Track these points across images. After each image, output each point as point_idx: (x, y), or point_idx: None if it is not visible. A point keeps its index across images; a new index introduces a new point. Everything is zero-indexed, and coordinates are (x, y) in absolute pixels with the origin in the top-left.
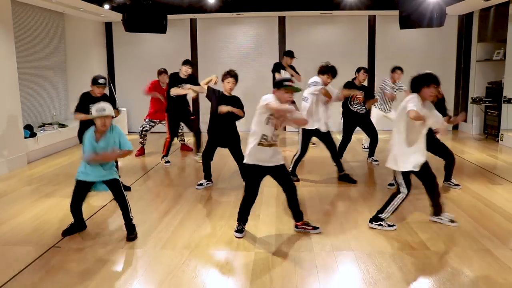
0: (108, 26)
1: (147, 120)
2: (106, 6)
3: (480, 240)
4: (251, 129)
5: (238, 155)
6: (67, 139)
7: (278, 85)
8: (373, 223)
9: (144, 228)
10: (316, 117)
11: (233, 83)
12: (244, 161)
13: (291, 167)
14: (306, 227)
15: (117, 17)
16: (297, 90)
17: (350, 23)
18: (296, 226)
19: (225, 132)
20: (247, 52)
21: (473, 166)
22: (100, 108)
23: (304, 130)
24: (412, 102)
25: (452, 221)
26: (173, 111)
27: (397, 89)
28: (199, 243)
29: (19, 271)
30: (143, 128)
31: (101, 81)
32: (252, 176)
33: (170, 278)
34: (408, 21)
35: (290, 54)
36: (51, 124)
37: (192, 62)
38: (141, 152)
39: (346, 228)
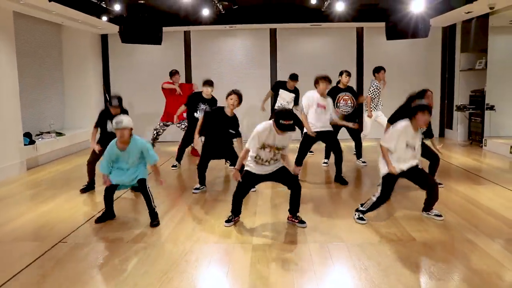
0: (104, 37)
1: (161, 124)
2: (104, 18)
3: (464, 233)
4: (247, 142)
5: (235, 159)
6: (64, 147)
7: (277, 120)
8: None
9: (147, 225)
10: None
11: (236, 100)
12: (245, 168)
13: None
14: (294, 220)
15: (113, 29)
16: (292, 130)
17: (339, 34)
18: (288, 218)
19: (221, 149)
20: (239, 63)
21: (459, 169)
22: (118, 121)
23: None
24: (389, 135)
25: (437, 215)
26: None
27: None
28: (199, 237)
29: (26, 265)
30: (157, 132)
31: (113, 102)
32: (249, 179)
33: (173, 269)
34: (395, 32)
35: (294, 78)
36: (48, 132)
37: (212, 82)
38: None
39: (338, 223)
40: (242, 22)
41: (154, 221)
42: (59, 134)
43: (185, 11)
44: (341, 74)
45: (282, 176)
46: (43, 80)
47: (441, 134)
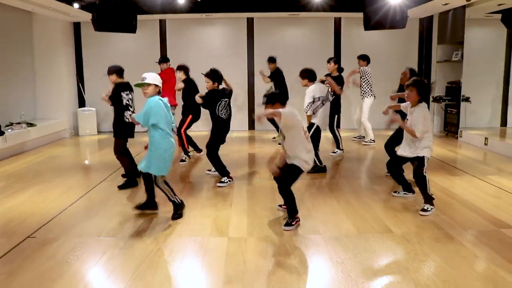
0: (77, 26)
1: None
2: (76, 5)
3: (440, 224)
4: None
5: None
6: (35, 138)
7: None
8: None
9: (121, 218)
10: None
11: (207, 81)
12: None
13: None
14: (283, 206)
15: (86, 16)
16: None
17: (316, 24)
18: (279, 205)
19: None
20: (216, 52)
21: (435, 160)
22: (142, 78)
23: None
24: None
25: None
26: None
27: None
28: (172, 231)
29: None
30: None
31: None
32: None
33: (145, 263)
34: (372, 23)
35: (270, 60)
36: (19, 123)
37: (182, 67)
38: None
39: (314, 215)
40: (218, 11)
41: (175, 214)
42: (30, 124)
43: None
44: (328, 61)
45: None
46: (12, 70)
47: None
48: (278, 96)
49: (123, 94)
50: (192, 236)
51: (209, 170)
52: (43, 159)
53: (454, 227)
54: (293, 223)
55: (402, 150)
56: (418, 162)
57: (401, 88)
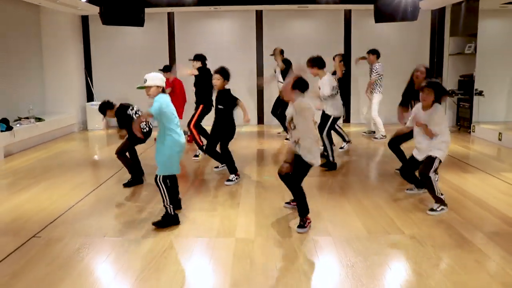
0: (85, 19)
1: None
2: None
3: (453, 224)
4: None
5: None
6: (44, 133)
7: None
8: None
9: (127, 218)
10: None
11: (218, 79)
12: None
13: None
14: (292, 203)
15: (94, 10)
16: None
17: (326, 17)
18: (286, 203)
19: (216, 126)
20: (224, 45)
21: (447, 156)
22: (144, 79)
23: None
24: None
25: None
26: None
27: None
28: (179, 231)
29: None
30: None
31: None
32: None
33: (151, 265)
34: (383, 15)
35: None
36: (27, 118)
37: (199, 56)
38: None
39: (324, 215)
40: (227, 4)
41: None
42: (39, 119)
43: None
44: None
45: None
46: (21, 64)
47: None
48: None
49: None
50: (199, 237)
51: (217, 167)
52: (51, 154)
53: (467, 227)
54: (305, 225)
55: (419, 155)
56: (427, 162)
57: (410, 88)
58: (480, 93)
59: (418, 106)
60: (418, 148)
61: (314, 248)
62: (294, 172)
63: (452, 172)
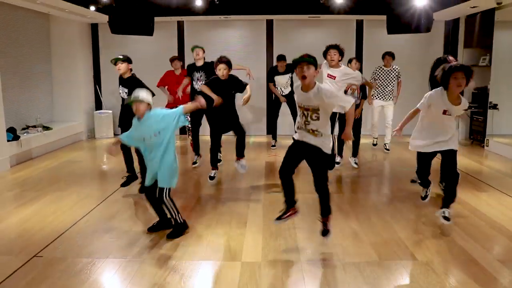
0: (95, 27)
1: None
2: (92, 8)
3: (467, 250)
4: None
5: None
6: (51, 141)
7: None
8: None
9: (130, 237)
10: None
11: (223, 69)
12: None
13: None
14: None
15: (103, 18)
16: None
17: (338, 27)
18: (279, 218)
19: (226, 118)
20: (235, 55)
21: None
22: (134, 95)
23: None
24: (424, 98)
25: (445, 217)
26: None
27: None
28: (184, 253)
29: None
30: None
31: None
32: (291, 147)
33: None
34: (396, 26)
35: (280, 58)
36: (35, 126)
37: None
38: None
39: (333, 238)
40: (237, 13)
41: (171, 232)
42: (46, 128)
43: (178, 0)
44: (350, 61)
45: (313, 158)
46: (30, 72)
47: None
48: None
49: None
50: (204, 260)
51: (195, 163)
52: (58, 164)
53: (483, 254)
54: (330, 228)
55: (431, 147)
56: (453, 158)
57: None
58: (495, 107)
59: (435, 94)
60: (433, 140)
61: (323, 273)
62: (319, 169)
63: (465, 189)
